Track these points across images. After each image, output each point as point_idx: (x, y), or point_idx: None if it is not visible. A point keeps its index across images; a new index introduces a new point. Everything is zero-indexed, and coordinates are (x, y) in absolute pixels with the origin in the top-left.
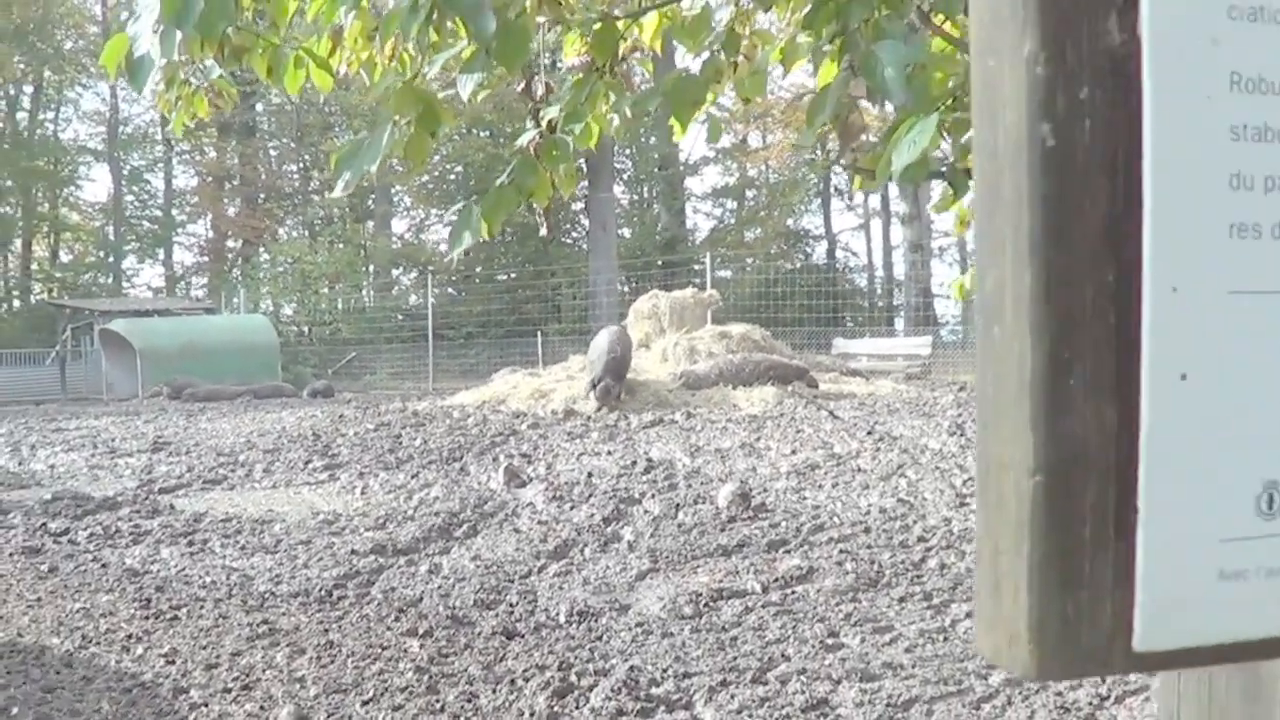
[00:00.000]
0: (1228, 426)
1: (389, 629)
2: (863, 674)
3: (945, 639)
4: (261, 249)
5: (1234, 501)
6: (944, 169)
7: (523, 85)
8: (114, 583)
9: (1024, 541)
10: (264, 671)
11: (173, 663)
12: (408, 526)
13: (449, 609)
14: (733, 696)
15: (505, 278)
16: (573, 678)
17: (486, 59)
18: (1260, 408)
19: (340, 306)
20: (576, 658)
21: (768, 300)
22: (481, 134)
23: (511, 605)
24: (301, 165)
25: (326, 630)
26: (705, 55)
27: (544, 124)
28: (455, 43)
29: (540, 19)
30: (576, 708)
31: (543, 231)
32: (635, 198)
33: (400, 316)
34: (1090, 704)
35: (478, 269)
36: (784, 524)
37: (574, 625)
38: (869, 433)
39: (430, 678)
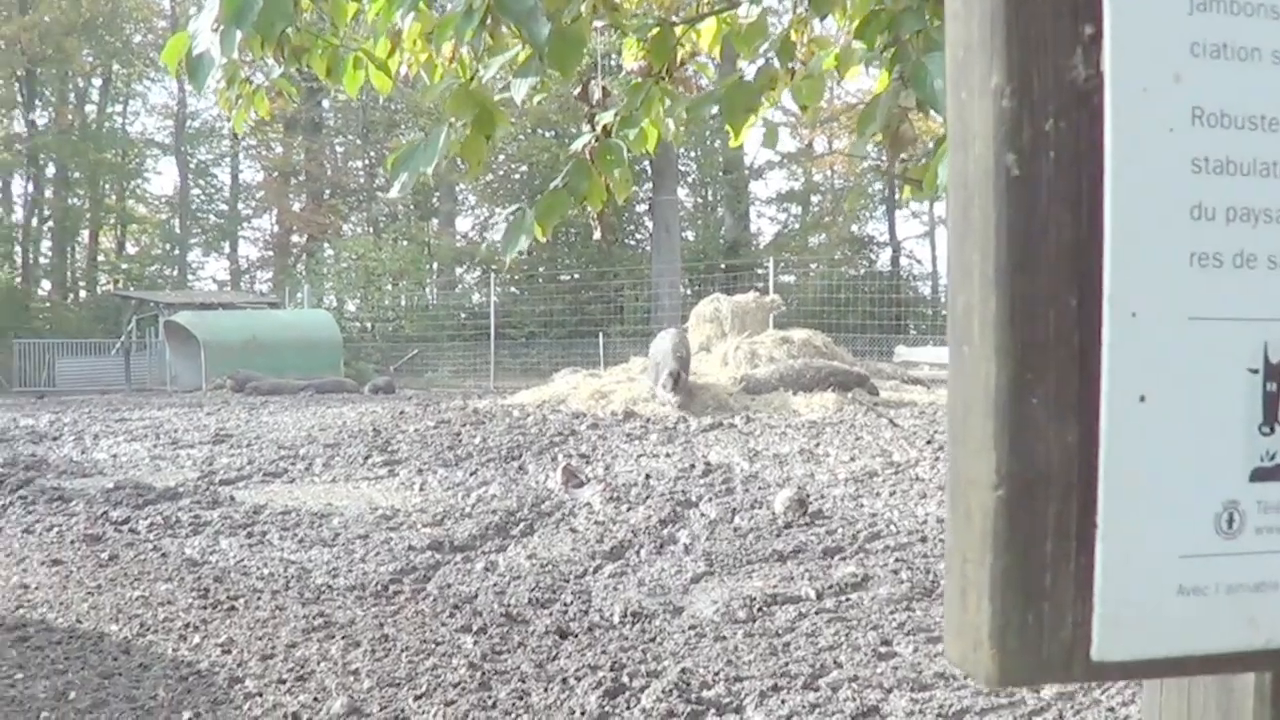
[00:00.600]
0: (1187, 447)
1: (443, 625)
2: (914, 683)
3: None
4: (326, 244)
5: (1193, 519)
6: None
7: (580, 89)
8: (173, 572)
9: (987, 553)
10: (319, 663)
11: (229, 652)
12: (465, 524)
13: (504, 606)
14: (783, 702)
15: (568, 278)
16: (624, 678)
17: (541, 63)
18: (1220, 429)
19: (403, 303)
20: (629, 659)
21: (830, 306)
22: (546, 134)
23: (566, 605)
24: (367, 162)
25: (382, 624)
26: (760, 62)
27: (599, 128)
28: (511, 46)
29: (597, 23)
30: (627, 708)
31: (596, 235)
32: (699, 201)
33: (463, 314)
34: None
35: (541, 269)
36: (840, 531)
37: (627, 626)
38: (928, 442)
39: (483, 674)
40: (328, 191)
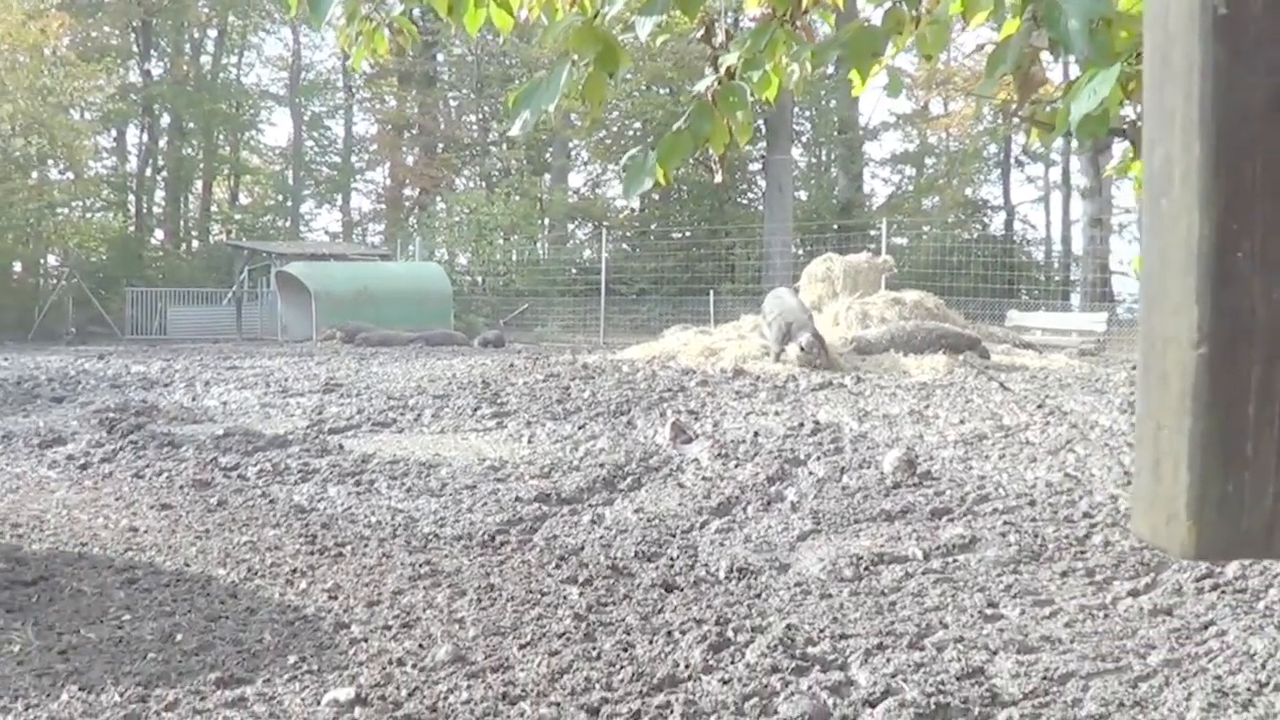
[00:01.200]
0: None
1: (549, 576)
2: (1020, 646)
3: (1106, 616)
4: (438, 198)
5: None
6: (1125, 127)
7: (702, 31)
8: (281, 518)
9: (1185, 417)
10: (424, 611)
11: (335, 598)
12: (572, 476)
13: (610, 559)
14: (888, 660)
15: (680, 235)
16: (729, 633)
17: (666, 1)
18: None
19: (514, 258)
20: (734, 613)
21: (943, 269)
22: (661, 91)
23: (672, 559)
24: (480, 116)
25: (488, 574)
26: (886, 6)
27: (722, 70)
28: None
29: None
30: (731, 662)
31: (717, 178)
32: (813, 160)
33: (574, 270)
34: (1249, 689)
35: (653, 225)
36: (949, 493)
37: (733, 582)
38: (1039, 406)
39: (588, 625)
40: (441, 145)
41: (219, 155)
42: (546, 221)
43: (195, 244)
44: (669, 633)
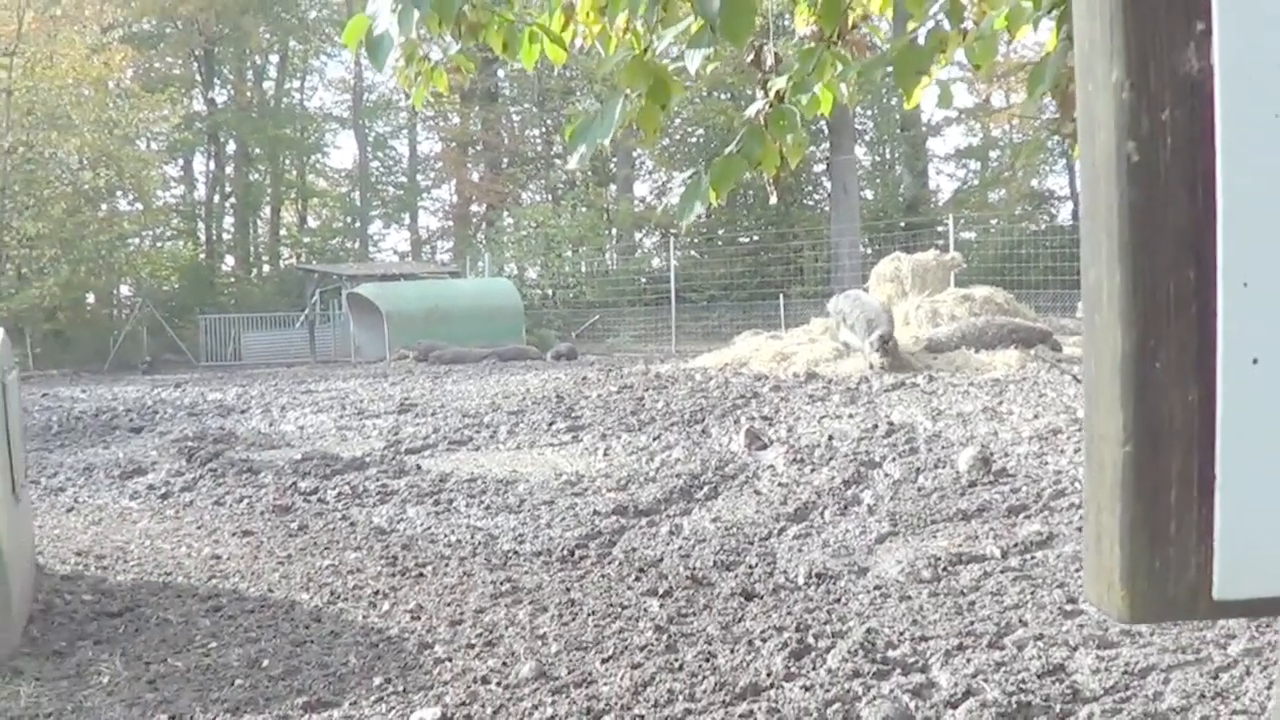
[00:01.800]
0: None
1: (629, 588)
2: (1100, 641)
3: None
4: (505, 213)
5: None
6: None
7: (752, 56)
8: (361, 541)
9: (1117, 502)
10: (506, 628)
11: (418, 618)
12: (649, 488)
13: (689, 569)
14: (968, 660)
15: (747, 240)
16: (810, 639)
17: (713, 34)
18: None
19: (583, 269)
20: (814, 619)
21: (1011, 262)
22: (722, 97)
23: (750, 567)
24: (544, 129)
25: (568, 589)
26: (930, 24)
27: (772, 94)
28: (683, 17)
29: None
30: (813, 668)
31: (772, 199)
32: (877, 159)
33: (643, 279)
34: None
35: (720, 231)
36: (1024, 489)
37: (812, 587)
38: None
39: (669, 637)
40: (505, 160)
41: (285, 179)
42: (614, 231)
43: (266, 269)
44: (750, 641)
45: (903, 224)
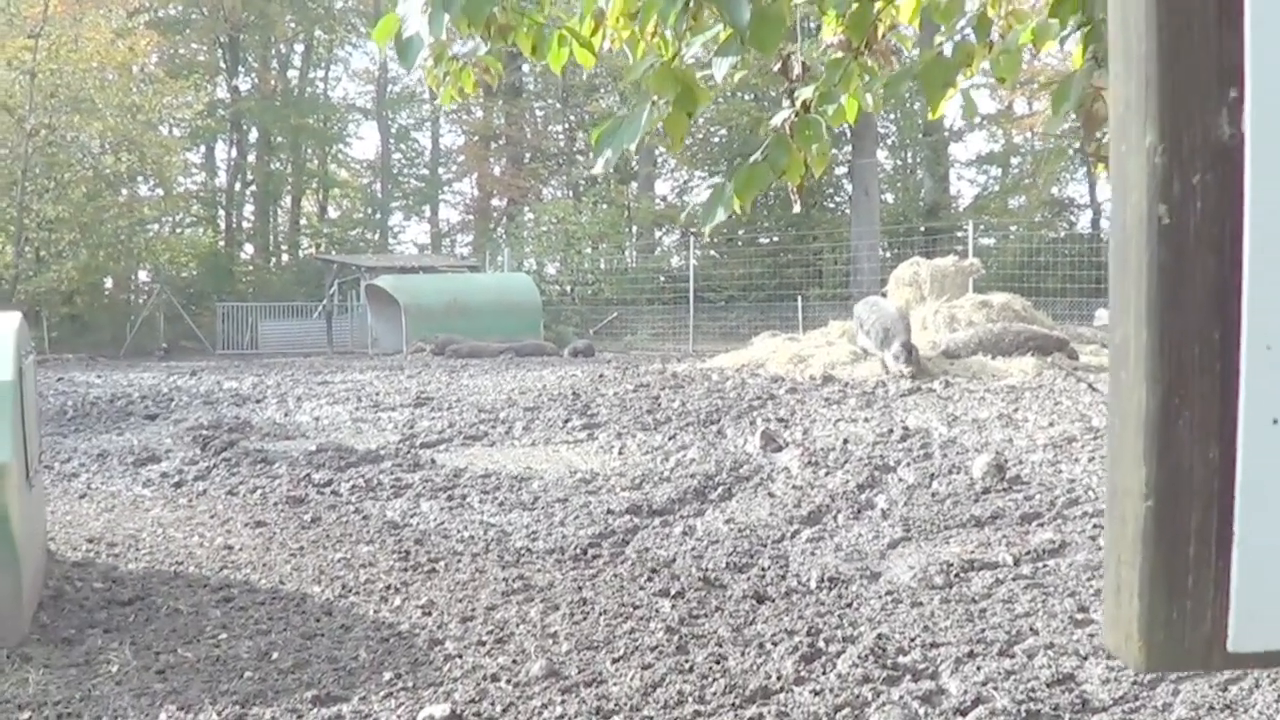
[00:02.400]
0: None
1: (641, 589)
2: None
3: None
4: (526, 208)
5: None
6: None
7: (779, 64)
8: (374, 534)
9: (1138, 555)
10: (518, 626)
11: (429, 614)
12: (663, 488)
13: (701, 571)
14: (979, 668)
15: (767, 241)
16: (821, 643)
17: (741, 43)
18: None
19: (603, 266)
20: (825, 623)
21: (1030, 269)
22: (746, 98)
23: (763, 569)
24: (567, 126)
25: (580, 588)
26: (956, 38)
27: (798, 103)
28: (712, 26)
29: (797, 0)
30: (823, 673)
31: (796, 208)
32: (898, 163)
33: (662, 278)
34: None
35: (740, 232)
36: (1038, 497)
37: (824, 591)
38: None
39: (680, 638)
40: (528, 155)
41: (307, 169)
42: (634, 229)
43: (285, 258)
44: (761, 644)
45: (922, 228)
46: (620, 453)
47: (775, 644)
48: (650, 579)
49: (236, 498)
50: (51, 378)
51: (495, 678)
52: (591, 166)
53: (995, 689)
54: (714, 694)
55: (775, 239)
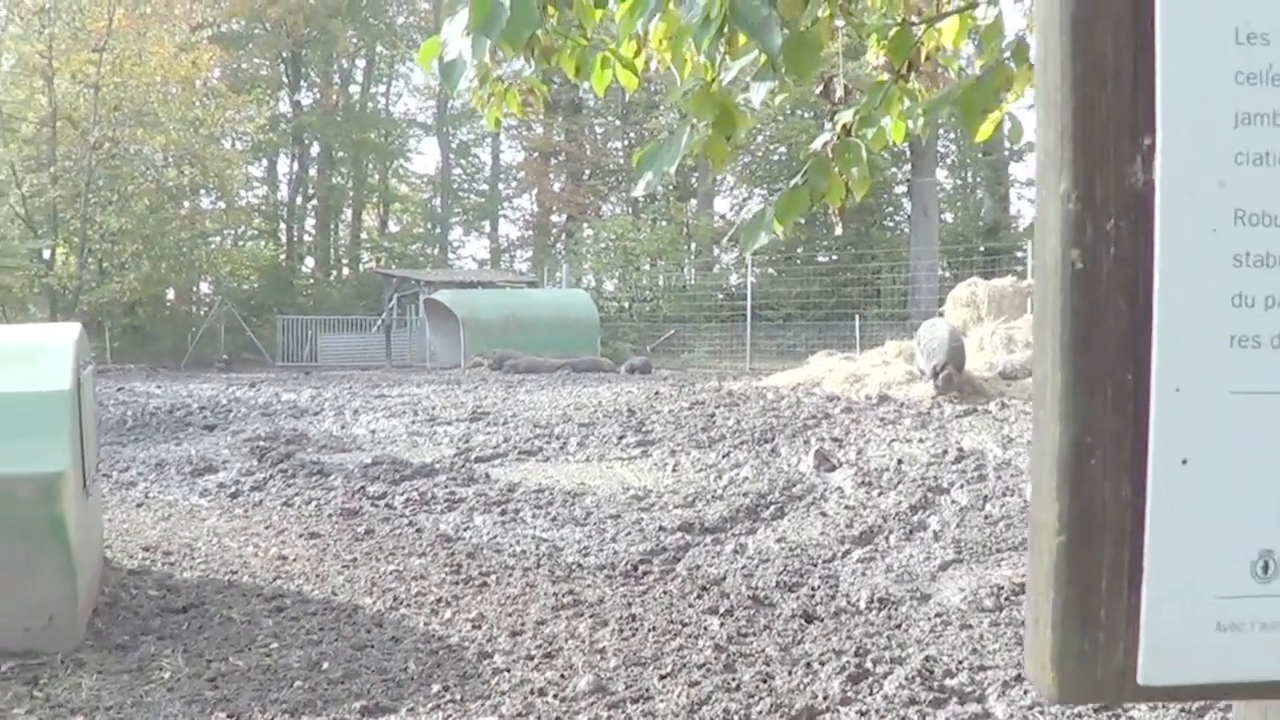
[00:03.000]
0: (1225, 503)
1: (691, 606)
2: None
3: None
4: (585, 224)
5: (1231, 565)
6: None
7: (821, 87)
8: (427, 547)
9: (1051, 588)
10: (566, 641)
11: (479, 628)
12: (716, 506)
13: (751, 589)
14: (1025, 693)
15: (826, 260)
16: (868, 664)
17: (775, 70)
18: (1257, 489)
19: (661, 284)
20: (874, 644)
21: None
22: (805, 115)
23: (813, 589)
24: (626, 142)
25: (630, 604)
26: (994, 62)
27: (839, 126)
28: (749, 50)
29: (838, 23)
30: (870, 694)
31: (837, 230)
32: (958, 182)
33: (720, 295)
34: None
35: (799, 250)
36: None
37: (873, 612)
38: None
39: (728, 656)
40: (587, 172)
41: (368, 184)
42: (693, 247)
43: (345, 271)
44: (808, 664)
45: (982, 248)
46: (674, 470)
47: (823, 664)
48: (700, 596)
49: (291, 509)
50: (112, 387)
51: (542, 692)
52: (633, 190)
53: (1042, 713)
54: (759, 713)
55: (834, 257)
